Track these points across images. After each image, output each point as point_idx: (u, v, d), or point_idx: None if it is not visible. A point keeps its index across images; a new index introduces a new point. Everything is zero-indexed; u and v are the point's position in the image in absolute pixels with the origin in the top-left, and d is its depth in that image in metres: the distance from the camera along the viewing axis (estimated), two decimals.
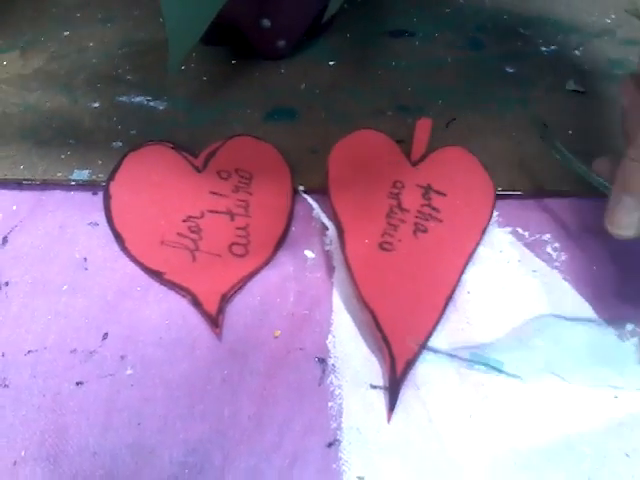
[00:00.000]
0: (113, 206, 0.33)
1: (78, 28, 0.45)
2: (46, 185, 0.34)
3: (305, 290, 0.30)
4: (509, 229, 0.35)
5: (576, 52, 0.47)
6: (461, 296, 0.31)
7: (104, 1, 0.47)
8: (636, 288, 0.32)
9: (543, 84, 0.44)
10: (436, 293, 0.30)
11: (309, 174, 0.36)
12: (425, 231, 0.32)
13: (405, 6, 0.51)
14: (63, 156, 0.35)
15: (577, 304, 0.31)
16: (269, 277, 0.31)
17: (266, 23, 0.40)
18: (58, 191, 0.34)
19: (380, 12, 0.50)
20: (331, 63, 0.44)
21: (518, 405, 0.27)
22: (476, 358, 0.28)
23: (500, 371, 0.28)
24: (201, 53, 0.43)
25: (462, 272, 0.32)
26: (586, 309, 0.31)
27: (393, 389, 0.27)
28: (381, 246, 0.31)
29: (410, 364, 0.28)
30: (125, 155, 0.35)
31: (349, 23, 0.48)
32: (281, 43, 0.42)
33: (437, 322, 0.29)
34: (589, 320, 0.30)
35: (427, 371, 0.28)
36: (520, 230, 0.35)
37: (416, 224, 0.33)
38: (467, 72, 0.45)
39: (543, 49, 0.48)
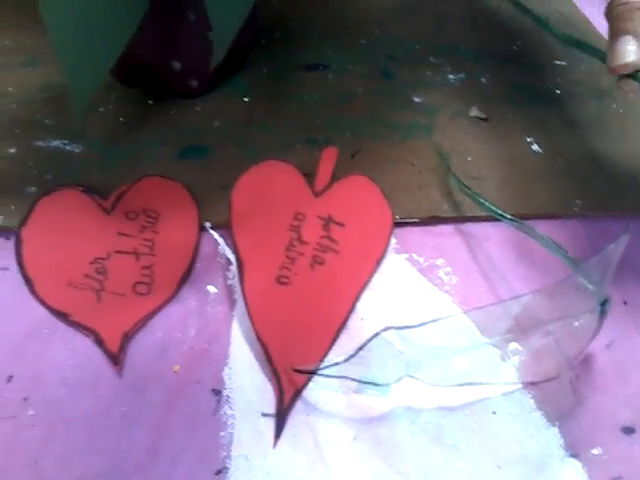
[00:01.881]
0: (24, 251, 0.34)
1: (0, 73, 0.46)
2: None
3: (206, 325, 0.32)
4: (405, 256, 0.37)
5: (482, 79, 0.50)
6: (354, 323, 0.33)
7: (27, 46, 0.49)
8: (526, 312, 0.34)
9: (448, 112, 0.47)
10: (328, 323, 0.32)
11: (218, 210, 0.37)
12: (322, 263, 0.34)
13: (322, 39, 0.53)
14: None
15: (464, 326, 0.33)
16: (172, 313, 0.33)
17: (176, 65, 0.42)
18: None
19: (297, 46, 0.52)
20: (245, 99, 0.46)
21: (400, 426, 0.29)
22: (365, 380, 0.30)
23: (386, 393, 0.30)
24: (119, 94, 0.45)
25: (356, 300, 0.34)
26: (472, 330, 0.33)
27: (280, 417, 0.28)
28: (278, 280, 0.33)
29: (299, 393, 0.29)
30: (37, 200, 0.36)
31: (266, 58, 0.50)
32: (194, 83, 0.44)
33: (328, 350, 0.31)
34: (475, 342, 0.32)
35: (317, 397, 0.30)
36: (415, 256, 0.37)
37: (314, 256, 0.35)
38: (376, 102, 0.47)
39: (451, 77, 0.50)
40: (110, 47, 0.34)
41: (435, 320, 0.29)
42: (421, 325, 0.29)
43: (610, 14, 0.33)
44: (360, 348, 0.29)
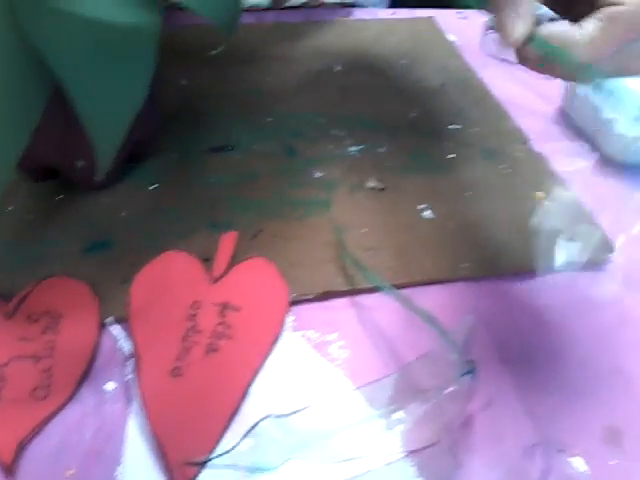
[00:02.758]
0: None
1: None
2: None
3: (102, 424, 0.33)
4: (301, 333, 0.39)
5: (380, 149, 0.53)
6: (248, 408, 0.35)
7: None
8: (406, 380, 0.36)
9: (347, 185, 0.49)
10: (221, 411, 0.34)
11: (119, 304, 0.39)
12: (216, 350, 0.36)
13: (229, 120, 0.56)
14: None
15: (351, 402, 0.35)
16: (69, 415, 0.34)
17: (80, 163, 0.44)
18: None
19: (205, 128, 0.55)
20: (151, 187, 0.48)
21: None
22: (252, 467, 0.31)
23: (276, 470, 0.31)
24: (27, 190, 0.47)
25: (249, 385, 0.35)
26: (360, 404, 0.35)
27: None
28: (172, 372, 0.35)
29: None
30: None
31: (175, 142, 0.52)
32: (98, 177, 0.46)
33: (221, 438, 0.33)
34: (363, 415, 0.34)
35: None
36: (311, 333, 0.39)
37: (208, 344, 0.36)
38: (279, 181, 0.49)
39: (352, 149, 0.53)
40: (10, 147, 0.35)
41: (320, 403, 0.31)
42: (302, 410, 0.31)
43: None
44: (245, 436, 0.31)
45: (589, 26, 0.29)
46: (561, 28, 0.30)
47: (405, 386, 0.34)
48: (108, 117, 0.35)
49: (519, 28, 0.29)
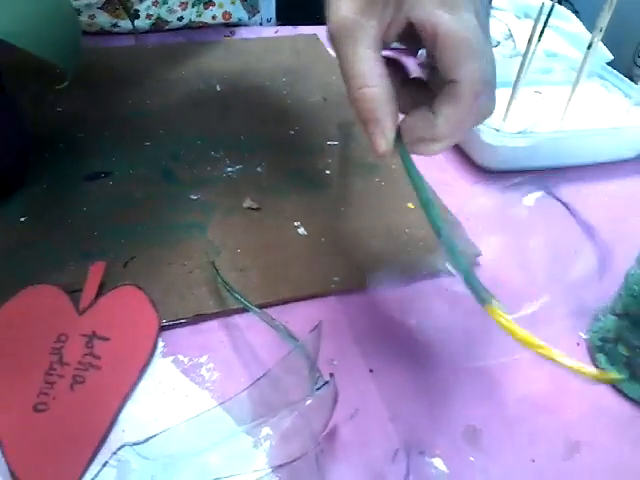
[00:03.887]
0: None
1: None
2: None
3: None
4: (171, 358, 0.39)
5: (258, 169, 0.54)
6: (116, 436, 0.35)
7: None
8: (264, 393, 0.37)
9: (223, 206, 0.50)
10: (86, 442, 0.34)
11: None
12: (82, 382, 0.36)
13: (107, 145, 0.55)
14: None
15: (217, 420, 0.36)
16: None
17: None
18: None
19: (81, 156, 0.54)
20: (22, 219, 0.47)
21: None
22: None
23: None
24: None
25: (117, 413, 0.35)
26: (227, 422, 0.35)
27: None
28: (35, 408, 0.34)
29: None
30: None
31: (47, 172, 0.52)
32: None
33: (86, 469, 0.33)
34: (229, 433, 0.35)
35: None
36: (181, 357, 0.39)
37: (74, 376, 0.36)
38: (155, 206, 0.50)
39: (229, 170, 0.54)
40: None
41: (181, 424, 0.32)
42: (160, 433, 0.31)
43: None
44: (104, 466, 0.31)
45: (441, 110, 0.32)
46: (420, 119, 0.33)
47: (264, 399, 0.35)
48: None
49: (383, 145, 0.32)
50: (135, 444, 0.31)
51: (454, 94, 0.31)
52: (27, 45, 0.32)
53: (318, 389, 0.32)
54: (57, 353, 0.37)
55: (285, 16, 0.84)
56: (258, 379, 0.34)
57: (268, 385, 0.35)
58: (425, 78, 0.36)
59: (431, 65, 0.34)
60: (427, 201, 0.33)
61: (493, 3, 0.75)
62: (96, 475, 0.31)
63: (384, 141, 0.33)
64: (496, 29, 0.73)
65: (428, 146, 0.33)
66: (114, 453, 0.30)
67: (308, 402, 0.34)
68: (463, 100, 0.31)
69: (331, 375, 0.33)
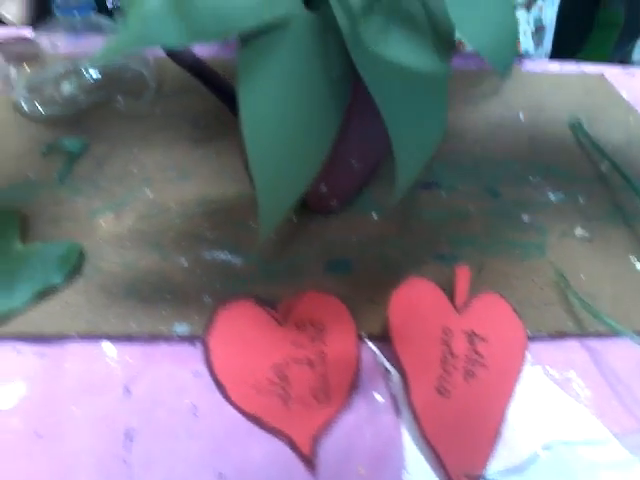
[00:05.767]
0: (213, 358, 0.39)
1: (159, 188, 0.53)
2: (153, 338, 0.41)
3: (379, 431, 0.37)
4: (540, 367, 0.41)
5: (580, 199, 0.56)
6: (508, 433, 0.37)
7: (178, 161, 0.56)
8: None
9: (556, 231, 0.52)
10: (486, 432, 0.37)
11: (368, 322, 0.42)
12: (473, 376, 0.39)
13: (435, 158, 0.59)
14: (164, 312, 0.42)
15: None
16: (347, 420, 0.37)
17: (323, 188, 0.49)
18: (163, 344, 0.41)
19: None
20: (375, 216, 0.52)
21: None
22: None
23: None
24: None
25: (506, 411, 0.38)
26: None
27: None
28: (439, 391, 0.38)
29: None
30: (216, 310, 0.41)
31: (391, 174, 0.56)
32: (333, 202, 0.50)
33: (489, 457, 0.36)
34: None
35: None
36: (549, 368, 0.41)
37: (465, 369, 0.39)
38: (488, 220, 0.53)
39: (551, 196, 0.56)
40: (303, 172, 0.37)
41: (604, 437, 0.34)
42: (590, 440, 0.33)
43: None
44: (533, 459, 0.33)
45: None
46: None
47: None
48: (415, 144, 0.38)
49: None
50: (566, 442, 0.33)
51: None
52: (478, 46, 0.34)
53: None
54: (446, 345, 0.40)
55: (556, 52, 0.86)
56: None
57: None
58: None
59: None
60: None
61: None
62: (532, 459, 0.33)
63: None
64: None
65: None
66: (536, 454, 0.33)
67: None
68: None
69: None
